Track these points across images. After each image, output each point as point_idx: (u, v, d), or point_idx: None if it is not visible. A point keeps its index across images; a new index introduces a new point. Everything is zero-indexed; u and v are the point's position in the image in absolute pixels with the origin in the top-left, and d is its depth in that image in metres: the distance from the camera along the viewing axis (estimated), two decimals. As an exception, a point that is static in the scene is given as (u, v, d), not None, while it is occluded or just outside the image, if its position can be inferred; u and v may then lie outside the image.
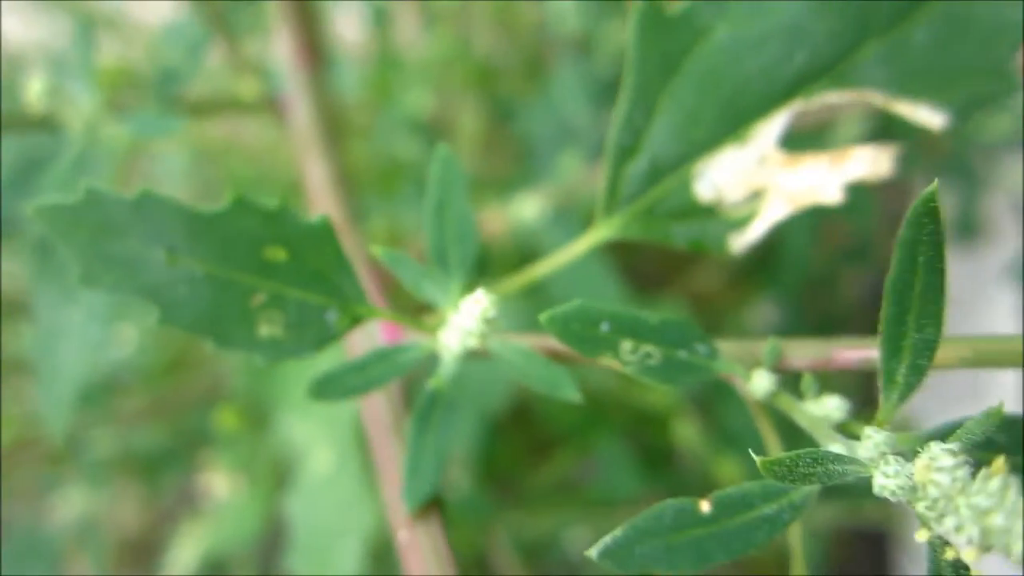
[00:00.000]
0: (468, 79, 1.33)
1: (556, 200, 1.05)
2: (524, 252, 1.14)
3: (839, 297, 1.82)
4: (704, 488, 0.30)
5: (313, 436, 0.89)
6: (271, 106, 0.73)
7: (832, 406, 0.33)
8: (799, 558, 0.32)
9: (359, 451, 0.85)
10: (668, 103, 0.41)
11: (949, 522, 0.22)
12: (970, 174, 1.27)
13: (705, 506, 0.29)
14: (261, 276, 0.38)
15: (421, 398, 0.42)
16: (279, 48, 0.77)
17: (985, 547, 0.21)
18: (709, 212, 0.42)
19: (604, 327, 0.34)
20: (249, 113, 0.78)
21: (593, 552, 0.30)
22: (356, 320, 0.40)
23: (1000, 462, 0.21)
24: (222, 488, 1.14)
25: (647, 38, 0.40)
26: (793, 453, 0.26)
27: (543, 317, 0.33)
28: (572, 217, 1.06)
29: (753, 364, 0.35)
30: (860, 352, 0.34)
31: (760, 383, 0.35)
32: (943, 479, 0.23)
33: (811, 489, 0.29)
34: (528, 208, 1.07)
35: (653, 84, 0.41)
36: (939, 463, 0.23)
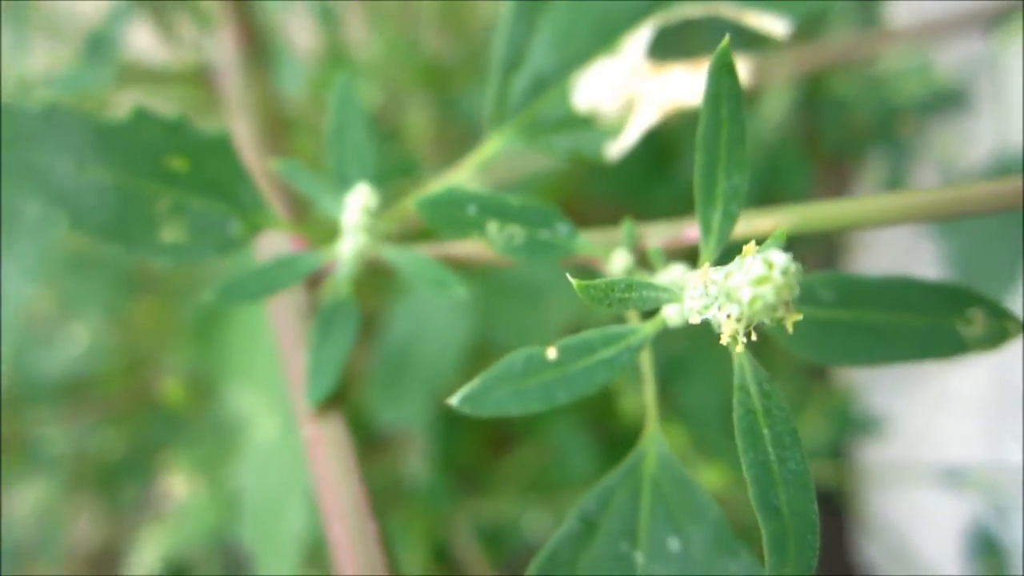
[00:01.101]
0: (416, 77, 1.36)
1: (495, 177, 1.08)
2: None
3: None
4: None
5: (257, 404, 0.92)
6: (204, 77, 0.76)
7: (677, 273, 0.36)
8: (651, 399, 0.35)
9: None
10: (547, 19, 0.44)
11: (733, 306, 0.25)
12: (898, 143, 1.31)
13: (552, 353, 0.32)
14: (164, 184, 0.41)
15: (324, 305, 0.45)
16: (218, 35, 0.80)
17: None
18: (586, 122, 0.45)
19: (471, 209, 0.37)
20: (182, 83, 0.81)
21: (454, 400, 0.33)
22: (256, 228, 0.43)
23: (751, 245, 0.24)
24: (182, 490, 1.15)
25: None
26: (609, 279, 0.29)
27: (414, 201, 0.36)
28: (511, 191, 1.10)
29: (613, 245, 0.39)
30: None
31: (618, 261, 0.38)
32: (717, 278, 0.26)
33: (646, 333, 0.32)
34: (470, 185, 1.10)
35: (534, 5, 0.44)
36: (712, 274, 0.26)
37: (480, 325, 1.31)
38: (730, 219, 0.31)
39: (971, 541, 1.21)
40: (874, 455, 1.67)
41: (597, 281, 0.28)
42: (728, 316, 0.25)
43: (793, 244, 0.32)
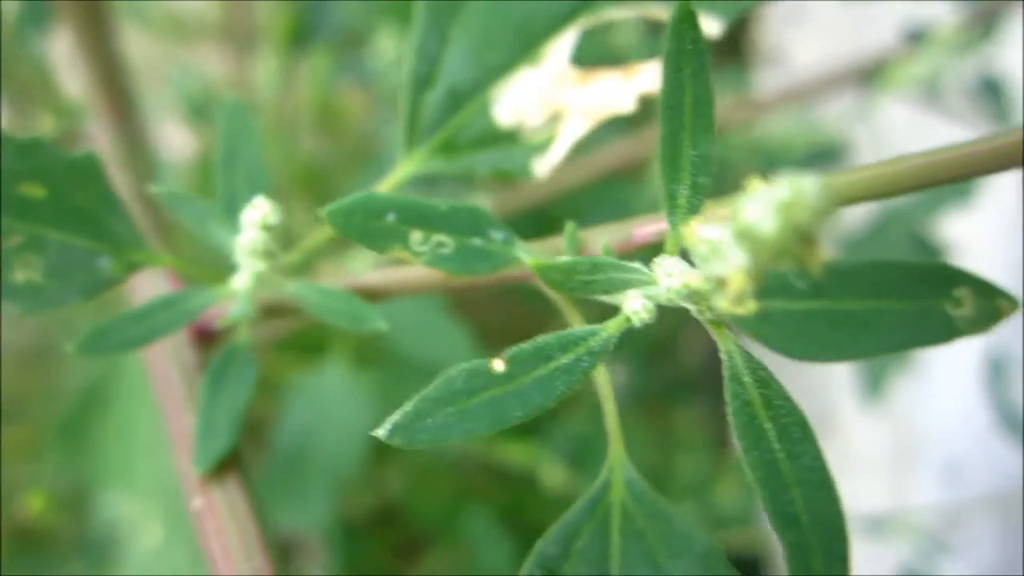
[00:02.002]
0: (294, 178, 1.35)
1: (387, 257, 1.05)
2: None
3: (681, 361, 1.89)
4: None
5: (138, 509, 0.81)
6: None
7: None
8: (613, 419, 0.30)
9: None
10: (462, 28, 0.40)
11: (722, 264, 0.20)
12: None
13: (499, 365, 0.27)
14: (15, 215, 0.34)
15: (217, 353, 0.38)
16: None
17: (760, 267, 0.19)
18: (511, 138, 0.41)
19: (390, 217, 0.31)
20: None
21: (381, 432, 0.27)
22: (131, 267, 0.36)
23: (755, 180, 0.20)
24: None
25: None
26: (571, 259, 0.24)
27: (325, 211, 0.31)
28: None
29: (555, 253, 0.34)
30: (656, 225, 0.33)
31: (562, 269, 0.33)
32: (711, 235, 0.21)
33: (609, 335, 0.28)
34: (361, 263, 1.06)
35: (445, 13, 0.40)
36: (704, 230, 0.22)
37: (383, 416, 1.23)
38: (699, 192, 0.27)
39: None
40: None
41: (558, 261, 0.24)
42: (734, 269, 0.20)
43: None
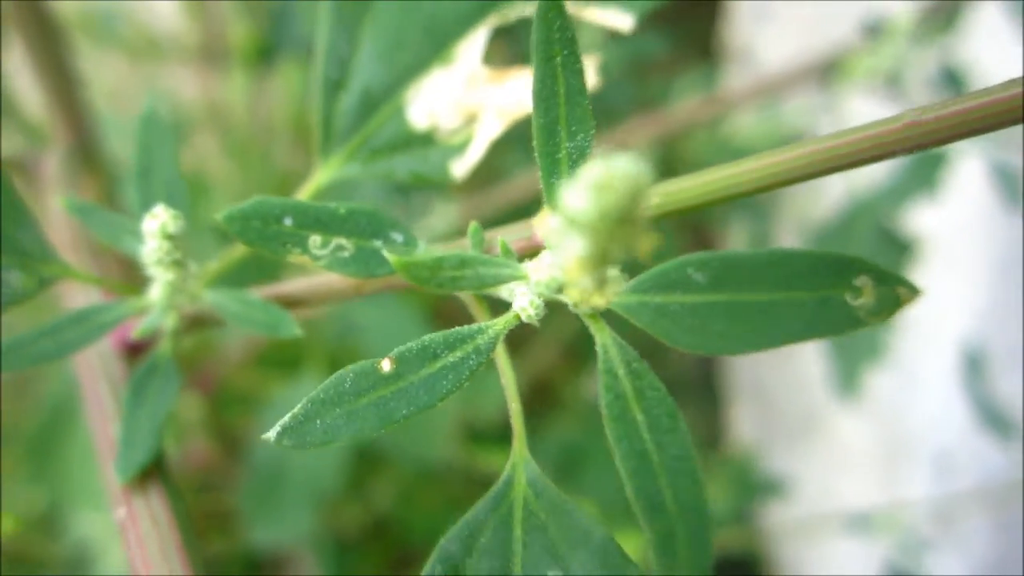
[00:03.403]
0: (270, 191, 1.36)
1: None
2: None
3: (673, 365, 1.89)
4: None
5: (105, 529, 0.81)
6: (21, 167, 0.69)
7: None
8: (517, 417, 0.30)
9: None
10: (371, 29, 0.40)
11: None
12: (754, 205, 1.35)
13: (387, 365, 0.27)
14: (-80, 232, 0.34)
15: (139, 366, 0.38)
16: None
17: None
18: (427, 140, 0.41)
19: (287, 221, 0.31)
20: None
21: (270, 435, 0.27)
22: (43, 281, 0.36)
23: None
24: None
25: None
26: (436, 255, 0.24)
27: (221, 216, 0.31)
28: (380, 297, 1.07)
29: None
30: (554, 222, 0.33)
31: (466, 269, 0.33)
32: (554, 224, 0.21)
33: (496, 332, 0.28)
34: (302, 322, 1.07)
35: (354, 15, 0.40)
36: (551, 220, 0.22)
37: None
38: (577, 184, 0.27)
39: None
40: (780, 515, 1.66)
41: (421, 256, 0.24)
42: (574, 254, 0.20)
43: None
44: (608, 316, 0.29)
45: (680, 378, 1.96)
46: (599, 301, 0.22)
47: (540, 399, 1.57)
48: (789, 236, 1.46)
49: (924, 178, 1.03)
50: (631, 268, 0.29)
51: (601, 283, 0.22)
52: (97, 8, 1.41)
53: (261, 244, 0.31)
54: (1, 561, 1.00)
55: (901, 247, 1.07)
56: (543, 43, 0.26)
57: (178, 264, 0.35)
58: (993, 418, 1.16)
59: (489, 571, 0.29)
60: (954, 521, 1.36)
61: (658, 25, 1.45)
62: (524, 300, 0.27)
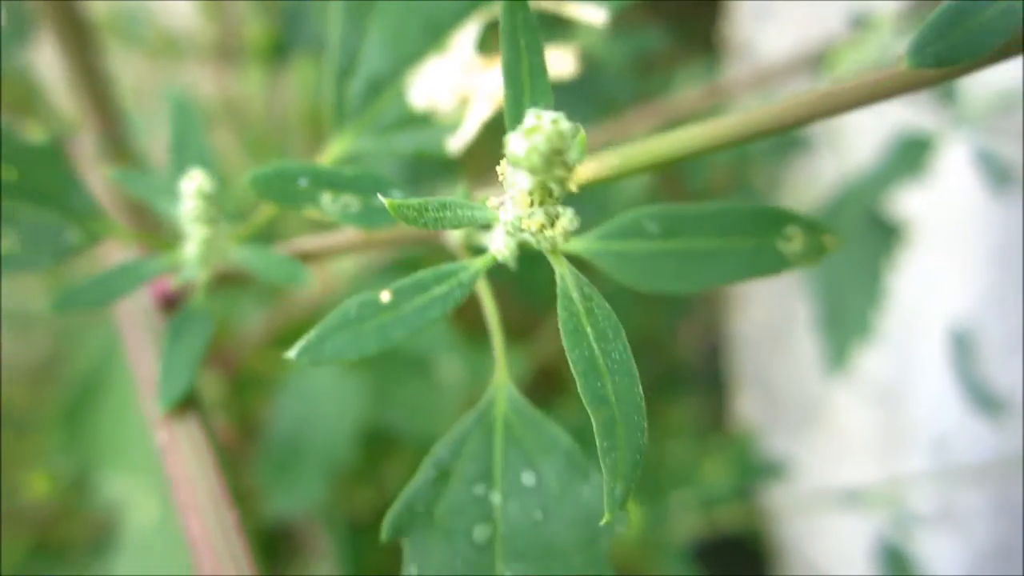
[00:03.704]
0: None
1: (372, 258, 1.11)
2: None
3: (678, 354, 1.93)
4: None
5: (135, 488, 0.87)
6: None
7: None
8: (500, 348, 0.36)
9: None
10: (376, 23, 0.46)
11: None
12: (754, 191, 1.40)
13: (385, 296, 0.33)
14: (-8, 195, 0.40)
15: (176, 313, 0.44)
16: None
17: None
18: (425, 120, 0.47)
19: (302, 182, 0.37)
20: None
21: (291, 353, 0.32)
22: (94, 237, 0.42)
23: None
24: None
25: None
26: (422, 199, 0.30)
27: (246, 179, 0.37)
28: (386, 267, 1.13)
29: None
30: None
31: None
32: (505, 167, 0.27)
33: (477, 269, 0.33)
34: (348, 264, 1.13)
35: (360, 9, 0.46)
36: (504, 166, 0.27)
37: (372, 406, 1.29)
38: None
39: (878, 556, 1.24)
40: (781, 496, 1.70)
41: (411, 200, 0.29)
42: (520, 189, 0.26)
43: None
44: (581, 265, 0.34)
45: (685, 367, 2.01)
46: (554, 234, 0.27)
47: (547, 386, 1.62)
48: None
49: (909, 163, 1.08)
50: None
51: (552, 218, 0.28)
52: (120, 8, 1.46)
53: (281, 201, 0.37)
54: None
55: (888, 230, 1.12)
56: (509, 30, 0.31)
57: (212, 222, 0.41)
58: (983, 399, 1.20)
59: (473, 472, 0.35)
60: (953, 503, 1.40)
61: (661, 22, 1.51)
62: (500, 243, 0.33)
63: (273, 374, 1.41)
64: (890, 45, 1.08)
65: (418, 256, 1.16)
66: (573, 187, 0.25)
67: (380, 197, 0.32)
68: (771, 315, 1.80)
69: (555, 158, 0.24)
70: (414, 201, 0.29)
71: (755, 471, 1.58)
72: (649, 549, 1.35)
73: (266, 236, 0.73)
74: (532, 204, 0.26)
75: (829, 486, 1.55)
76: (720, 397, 2.03)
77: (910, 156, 1.08)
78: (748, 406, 1.94)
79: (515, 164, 0.25)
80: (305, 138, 1.61)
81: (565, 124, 0.24)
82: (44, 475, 0.93)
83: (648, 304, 1.66)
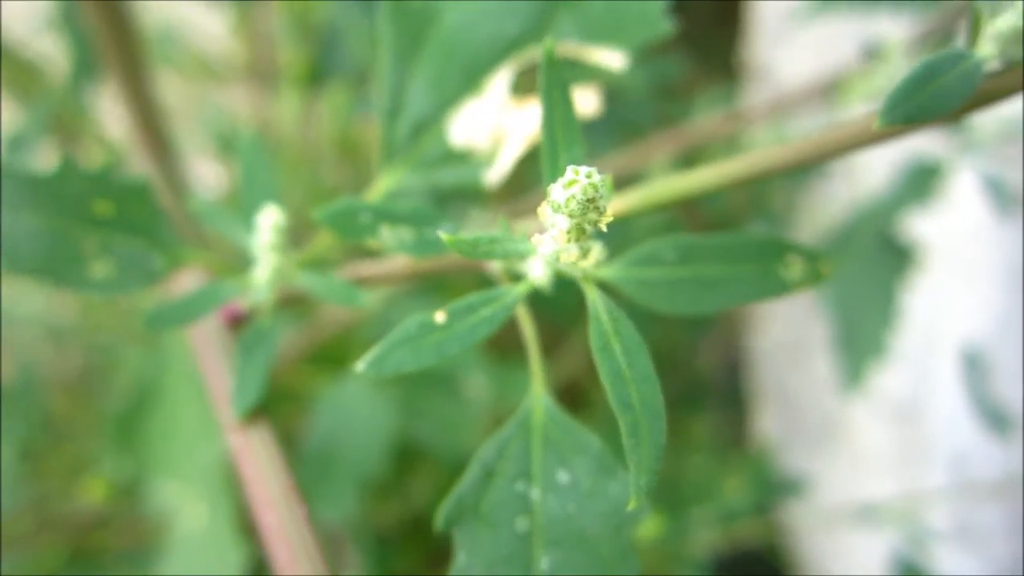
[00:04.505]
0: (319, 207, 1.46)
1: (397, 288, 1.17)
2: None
3: (699, 370, 1.97)
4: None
5: (183, 493, 0.92)
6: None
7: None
8: (536, 360, 0.41)
9: (230, 496, 0.89)
10: (420, 69, 0.52)
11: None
12: (771, 214, 1.44)
13: (440, 316, 0.38)
14: (92, 226, 0.46)
15: (245, 332, 0.50)
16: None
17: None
18: (464, 157, 0.52)
19: (365, 216, 0.43)
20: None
21: (359, 366, 0.38)
22: (175, 263, 0.48)
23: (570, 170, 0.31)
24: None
25: (397, 21, 0.52)
26: (475, 235, 0.35)
27: (316, 214, 0.42)
28: (420, 302, 1.18)
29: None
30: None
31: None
32: (546, 211, 0.32)
33: (518, 293, 0.39)
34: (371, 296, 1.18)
35: (407, 57, 0.52)
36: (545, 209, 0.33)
37: (402, 422, 1.34)
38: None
39: (895, 571, 1.26)
40: (799, 511, 1.73)
41: (466, 235, 0.35)
42: (561, 229, 0.31)
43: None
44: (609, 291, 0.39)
45: (706, 384, 2.05)
46: (586, 264, 0.32)
47: (570, 402, 1.67)
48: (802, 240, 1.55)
49: (920, 188, 1.12)
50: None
51: (585, 252, 0.33)
52: (155, 30, 1.52)
53: (346, 233, 0.43)
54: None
55: (901, 252, 1.16)
56: (546, 87, 0.37)
57: (282, 250, 0.47)
58: (995, 418, 1.23)
59: (515, 471, 0.40)
60: (970, 519, 1.42)
61: (680, 46, 1.56)
62: (538, 271, 0.38)
63: (305, 389, 1.46)
64: (898, 74, 1.13)
65: (441, 281, 1.22)
66: (603, 227, 0.31)
67: (435, 231, 0.38)
68: (790, 332, 1.84)
69: (589, 205, 0.30)
70: (470, 236, 0.34)
71: (774, 486, 1.61)
72: (670, 562, 1.39)
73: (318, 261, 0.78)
74: (569, 241, 0.32)
75: (847, 502, 1.58)
76: (739, 413, 2.07)
77: (921, 182, 1.12)
78: (767, 422, 1.98)
79: (556, 210, 0.30)
80: (335, 162, 1.67)
81: (598, 177, 0.29)
82: (100, 481, 0.99)
83: (669, 323, 1.70)
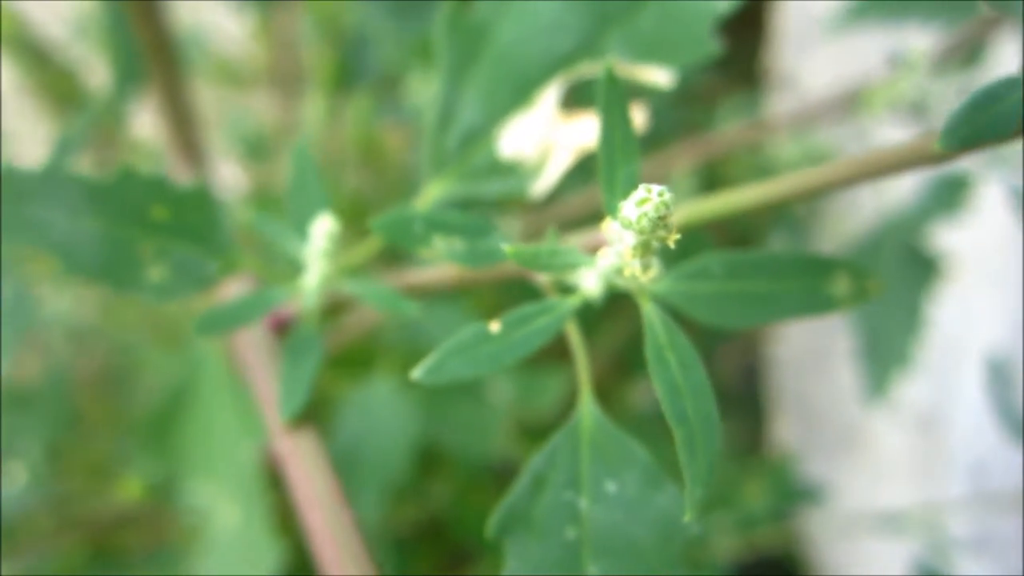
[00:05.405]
0: (342, 210, 1.47)
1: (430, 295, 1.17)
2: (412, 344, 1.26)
3: (717, 377, 1.97)
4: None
5: (217, 494, 0.93)
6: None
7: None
8: (584, 373, 0.42)
9: (263, 497, 0.90)
10: (472, 83, 0.53)
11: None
12: (794, 221, 1.44)
13: (495, 326, 0.39)
14: (149, 232, 0.47)
15: (291, 337, 0.51)
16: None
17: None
18: (512, 168, 0.53)
19: (418, 226, 0.44)
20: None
21: (416, 373, 0.39)
22: (229, 268, 0.49)
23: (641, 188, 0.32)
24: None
25: (452, 36, 0.53)
26: (537, 246, 0.36)
27: (371, 224, 0.43)
28: (445, 307, 1.19)
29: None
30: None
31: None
32: (614, 227, 0.33)
33: (571, 304, 0.39)
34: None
35: (460, 70, 0.53)
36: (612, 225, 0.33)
37: (426, 426, 1.34)
38: (630, 201, 0.38)
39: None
40: (819, 519, 1.73)
41: (527, 248, 0.35)
42: (627, 245, 0.32)
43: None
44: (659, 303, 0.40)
45: (726, 391, 2.05)
46: (645, 279, 0.33)
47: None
48: (826, 250, 1.55)
49: (947, 200, 1.12)
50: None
51: (646, 267, 0.34)
52: (184, 35, 1.54)
53: (400, 241, 0.43)
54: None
55: (927, 263, 1.16)
56: (605, 104, 0.37)
57: (331, 257, 0.48)
58: (1016, 425, 1.23)
59: (564, 480, 0.41)
60: (991, 529, 1.42)
61: (704, 54, 1.56)
62: (592, 283, 0.39)
63: (329, 392, 1.47)
64: (923, 84, 1.13)
65: (471, 289, 1.23)
66: (671, 243, 0.32)
67: (488, 242, 0.39)
68: (810, 340, 1.84)
69: (660, 222, 0.30)
70: (531, 248, 0.35)
71: (793, 494, 1.61)
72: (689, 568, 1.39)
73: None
74: (634, 256, 0.32)
75: (867, 510, 1.58)
76: (757, 420, 2.07)
77: (950, 193, 1.12)
78: (786, 429, 1.98)
79: (626, 226, 0.31)
80: (357, 167, 1.68)
81: (669, 195, 0.30)
82: (135, 481, 1.00)
83: (687, 328, 1.70)
